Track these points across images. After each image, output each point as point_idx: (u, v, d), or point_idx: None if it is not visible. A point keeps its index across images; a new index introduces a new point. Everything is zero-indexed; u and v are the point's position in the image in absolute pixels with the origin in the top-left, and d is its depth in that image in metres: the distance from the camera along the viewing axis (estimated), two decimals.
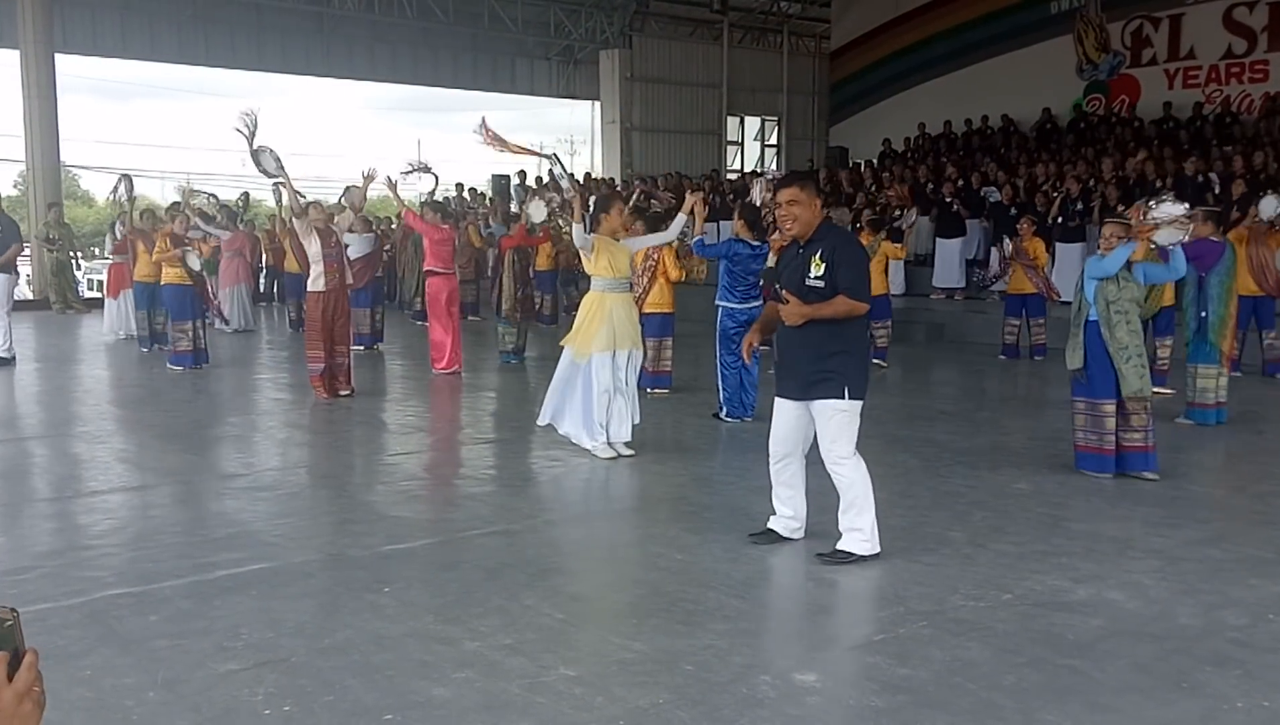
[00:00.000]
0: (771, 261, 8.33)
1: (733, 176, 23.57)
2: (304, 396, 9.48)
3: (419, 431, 8.52)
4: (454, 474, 7.04)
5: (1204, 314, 8.07)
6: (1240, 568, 4.75)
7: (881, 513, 4.82)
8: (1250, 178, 13.40)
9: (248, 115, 9.00)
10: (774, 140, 28.54)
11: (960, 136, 20.50)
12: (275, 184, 10.06)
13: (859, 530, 4.76)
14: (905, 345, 13.09)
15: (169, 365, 11.24)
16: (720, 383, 8.37)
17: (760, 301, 8.43)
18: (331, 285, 9.19)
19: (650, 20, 25.97)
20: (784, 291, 4.72)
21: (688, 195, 7.47)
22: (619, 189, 20.52)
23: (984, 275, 14.52)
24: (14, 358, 11.38)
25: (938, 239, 15.92)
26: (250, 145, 9.14)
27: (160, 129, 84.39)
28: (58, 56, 18.95)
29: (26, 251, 16.57)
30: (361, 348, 12.40)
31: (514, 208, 20.33)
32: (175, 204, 13.70)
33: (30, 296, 19.23)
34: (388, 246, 17.33)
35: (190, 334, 11.23)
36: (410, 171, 11.19)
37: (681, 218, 7.35)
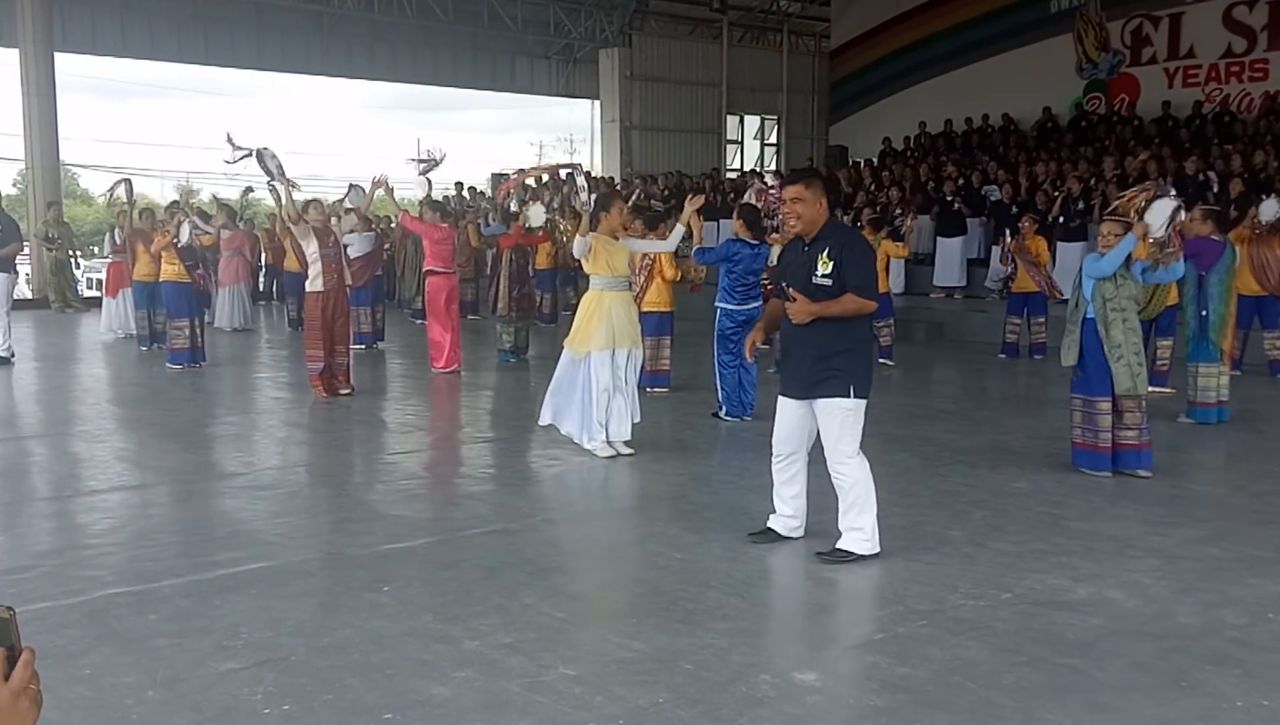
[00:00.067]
0: (773, 260, 8.33)
1: (733, 175, 23.55)
2: (303, 395, 9.48)
3: (418, 430, 8.52)
4: (453, 473, 7.04)
5: (1204, 313, 8.08)
6: (1240, 567, 4.75)
7: (881, 512, 4.82)
8: (1249, 177, 13.40)
9: (239, 149, 9.33)
10: (774, 139, 28.54)
11: (960, 135, 20.51)
12: (270, 184, 10.07)
13: (860, 530, 4.75)
14: (905, 344, 13.08)
15: (167, 364, 11.24)
16: (719, 382, 8.37)
17: (760, 302, 8.43)
18: (330, 285, 9.20)
19: (650, 19, 25.97)
20: (791, 289, 4.70)
21: (686, 203, 7.44)
22: (619, 188, 20.52)
23: (995, 280, 14.36)
24: (13, 356, 11.37)
25: (938, 238, 15.92)
26: (251, 152, 9.30)
27: (160, 128, 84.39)
28: (57, 55, 18.95)
29: (26, 250, 16.58)
30: (363, 347, 12.40)
31: (513, 207, 20.35)
32: (174, 203, 13.70)
33: (29, 295, 19.23)
34: (387, 245, 17.33)
35: (187, 332, 11.23)
36: (426, 167, 11.05)
37: (680, 229, 7.33)
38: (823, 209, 4.76)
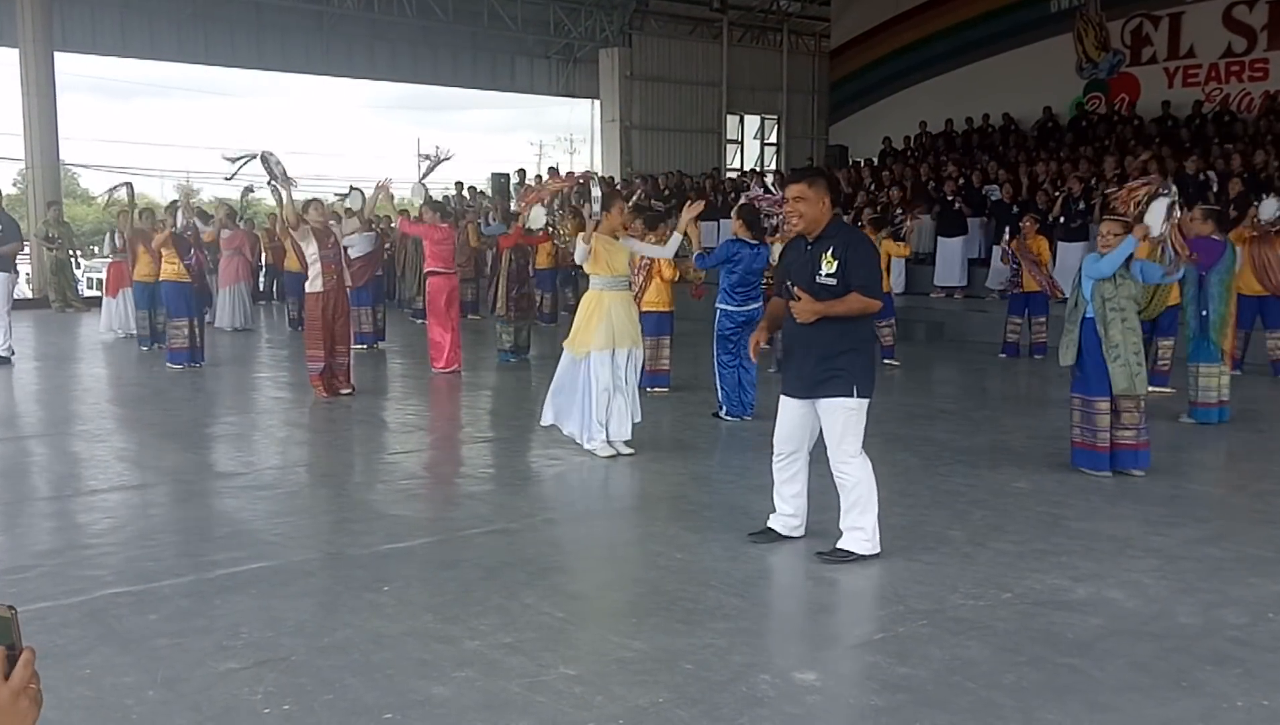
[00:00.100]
0: (774, 259, 8.33)
1: (733, 175, 23.56)
2: (304, 395, 9.48)
3: (418, 430, 8.52)
4: (453, 473, 7.04)
5: (1205, 312, 8.07)
6: (1240, 566, 4.75)
7: (881, 511, 4.82)
8: (1248, 177, 13.40)
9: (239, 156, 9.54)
10: (774, 139, 28.54)
11: (960, 135, 20.51)
12: (271, 184, 10.09)
13: (861, 529, 4.75)
14: (905, 344, 13.08)
15: (167, 363, 11.24)
16: (719, 383, 8.37)
17: (760, 304, 8.43)
18: (329, 286, 9.20)
19: (650, 19, 25.96)
20: (795, 288, 4.69)
21: (684, 210, 7.44)
22: (619, 187, 20.51)
23: (1001, 281, 14.23)
24: (12, 355, 11.37)
25: (939, 237, 15.92)
26: (251, 157, 9.39)
27: (160, 127, 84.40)
28: (57, 55, 18.95)
29: (26, 250, 16.57)
30: (364, 346, 12.41)
31: (513, 206, 20.35)
32: (174, 202, 13.69)
33: (30, 295, 19.24)
34: (388, 245, 17.33)
35: (186, 331, 11.23)
36: (431, 166, 11.02)
37: (677, 237, 7.33)
38: (826, 208, 4.75)
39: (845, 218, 15.25)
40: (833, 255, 4.65)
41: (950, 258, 15.77)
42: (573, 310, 7.29)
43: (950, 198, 15.89)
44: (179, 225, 11.56)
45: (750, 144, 28.45)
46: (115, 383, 10.89)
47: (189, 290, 11.36)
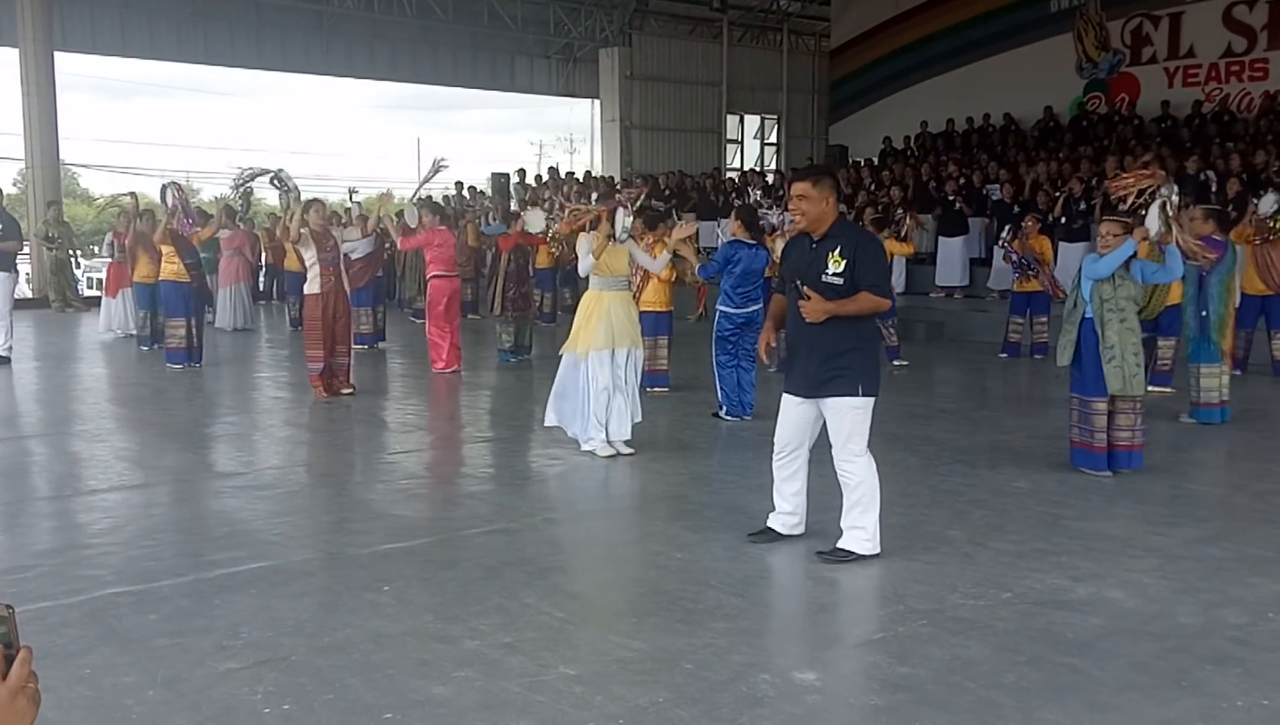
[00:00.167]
0: (776, 257, 8.33)
1: (733, 175, 23.57)
2: (303, 395, 9.48)
3: (418, 430, 8.52)
4: (453, 472, 7.04)
5: (1204, 313, 8.07)
6: (1240, 566, 4.75)
7: (881, 511, 4.82)
8: (1248, 177, 13.39)
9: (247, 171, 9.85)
10: (774, 139, 28.53)
11: (960, 135, 20.52)
12: (277, 181, 10.13)
13: (862, 529, 4.75)
14: (906, 343, 13.04)
15: (166, 363, 11.24)
16: (717, 383, 8.37)
17: (760, 305, 8.43)
18: (327, 288, 9.21)
19: (650, 18, 25.96)
20: (805, 288, 4.67)
21: (675, 231, 7.47)
22: (619, 187, 20.50)
23: (1002, 279, 14.14)
24: (10, 351, 11.36)
25: (940, 237, 15.93)
26: (260, 174, 9.77)
27: (160, 127, 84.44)
28: (57, 54, 18.94)
29: (26, 250, 16.56)
30: (364, 347, 12.40)
31: (513, 206, 20.36)
32: (164, 187, 13.64)
33: (30, 295, 19.23)
34: (388, 244, 17.33)
35: (183, 332, 11.23)
36: (430, 174, 11.03)
37: (666, 256, 7.42)
38: (830, 207, 4.73)
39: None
40: (840, 254, 4.64)
41: (951, 257, 15.77)
42: (572, 310, 7.29)
43: (951, 198, 15.89)
44: (170, 203, 11.55)
45: (750, 144, 28.45)
46: (115, 382, 10.89)
47: (188, 290, 11.36)
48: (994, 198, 15.76)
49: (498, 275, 11.91)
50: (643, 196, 8.46)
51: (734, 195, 19.31)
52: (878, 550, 4.77)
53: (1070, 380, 6.59)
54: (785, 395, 4.91)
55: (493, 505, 5.87)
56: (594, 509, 6.10)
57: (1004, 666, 3.64)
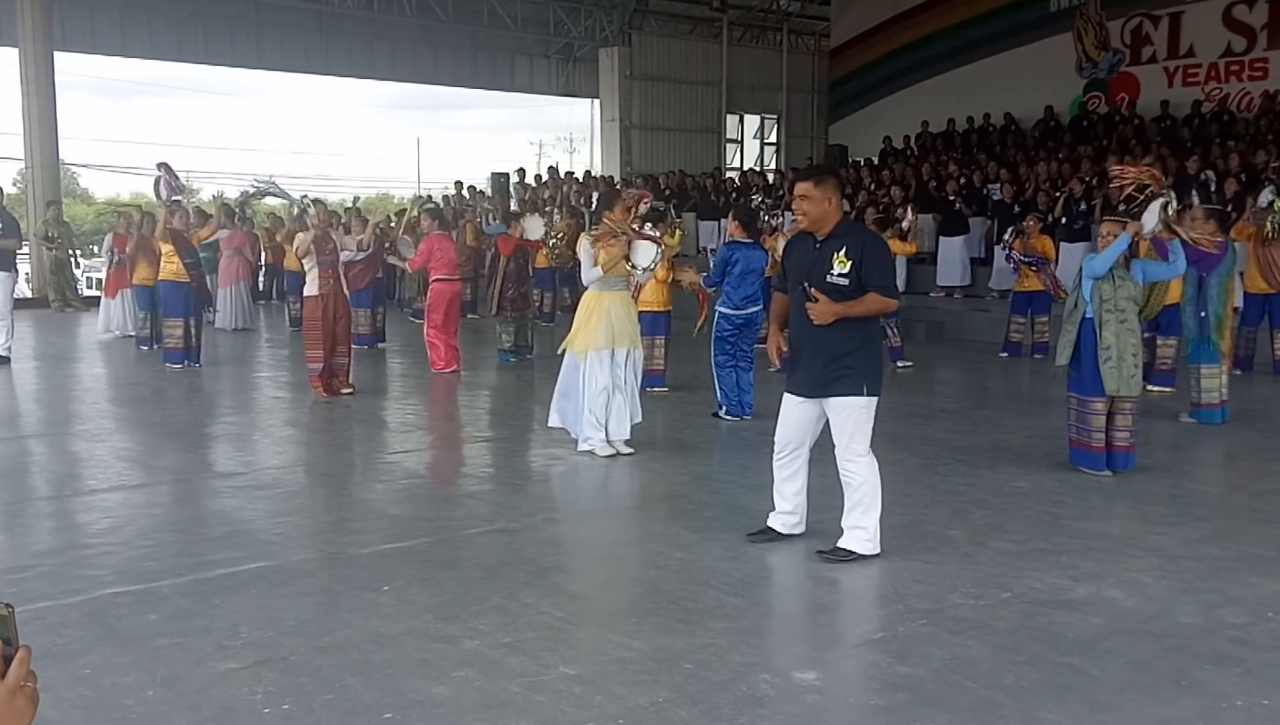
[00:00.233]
0: (777, 256, 8.32)
1: (733, 174, 23.57)
2: (303, 395, 9.48)
3: (418, 430, 8.52)
4: (453, 472, 7.04)
5: (1203, 314, 8.07)
6: (1240, 566, 4.75)
7: (881, 511, 4.82)
8: (1247, 178, 13.39)
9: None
10: (774, 138, 28.53)
11: (961, 135, 20.51)
12: (277, 190, 10.27)
13: (863, 529, 4.75)
14: (906, 343, 13.07)
15: (165, 363, 11.24)
16: (716, 383, 8.37)
17: (760, 307, 8.43)
18: (326, 290, 9.22)
19: (650, 18, 25.95)
20: (813, 290, 4.65)
21: (678, 272, 7.59)
22: (618, 187, 20.49)
23: (1004, 279, 14.13)
24: (10, 351, 11.35)
25: (941, 237, 15.93)
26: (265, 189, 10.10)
27: (160, 127, 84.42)
28: (57, 54, 18.93)
29: (25, 249, 16.55)
30: (365, 348, 12.40)
31: (514, 206, 20.37)
32: (176, 201, 13.68)
33: (29, 295, 19.23)
34: (388, 244, 17.32)
35: (181, 332, 11.23)
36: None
37: (656, 251, 7.43)
38: (833, 207, 4.71)
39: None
40: (845, 255, 4.62)
41: (951, 257, 15.77)
42: (571, 310, 7.28)
43: (951, 198, 15.89)
44: (162, 190, 11.65)
45: (750, 143, 28.45)
46: (115, 382, 10.88)
47: (187, 290, 11.35)
48: (994, 198, 15.76)
49: (497, 275, 11.91)
50: (647, 201, 8.48)
51: (735, 195, 19.30)
52: (878, 550, 4.77)
53: (1068, 379, 6.60)
54: (787, 395, 4.90)
55: (493, 505, 5.87)
56: (594, 509, 6.10)
57: (1004, 666, 3.64)
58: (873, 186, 18.29)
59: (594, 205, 7.20)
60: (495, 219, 15.93)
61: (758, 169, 25.02)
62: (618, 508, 6.10)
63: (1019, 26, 20.98)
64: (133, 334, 13.62)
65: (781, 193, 18.10)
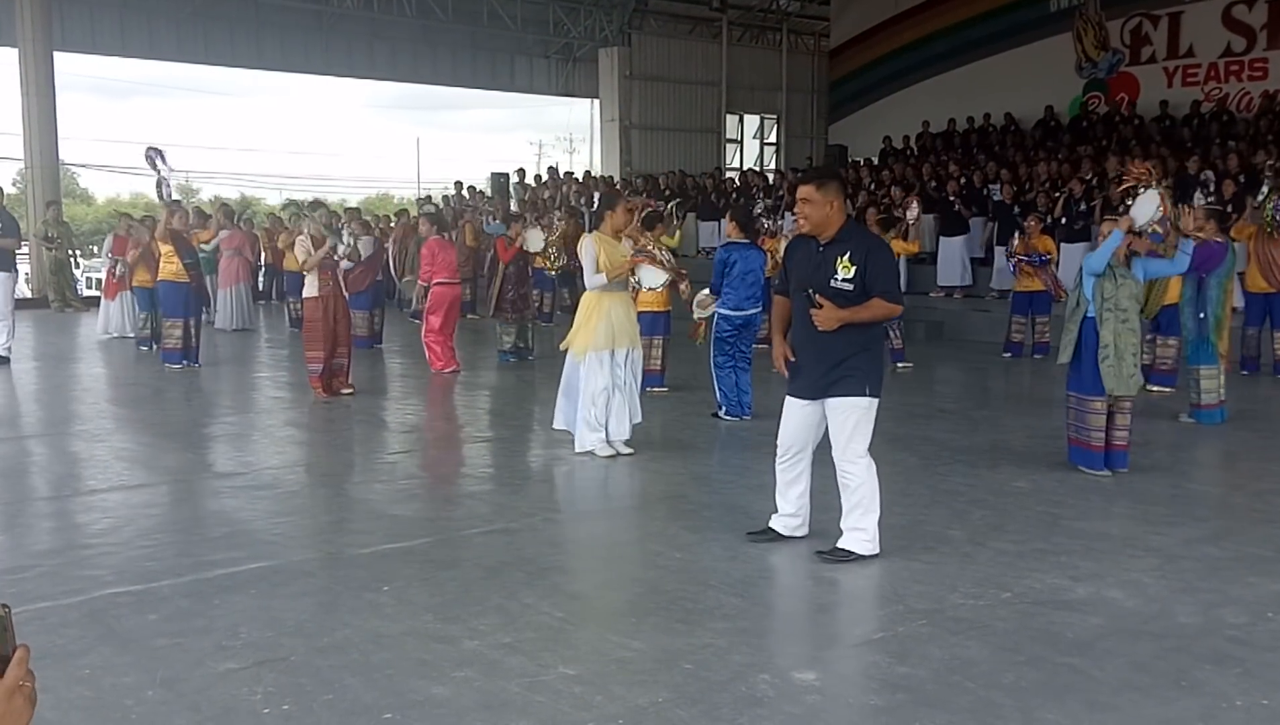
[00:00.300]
0: (778, 258, 8.30)
1: (733, 174, 23.57)
2: (303, 395, 9.48)
3: (418, 430, 8.52)
4: (453, 472, 7.04)
5: (1202, 315, 8.07)
6: (1239, 566, 4.75)
7: (881, 511, 4.82)
8: (1245, 178, 13.39)
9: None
10: (773, 138, 28.53)
11: (961, 135, 20.51)
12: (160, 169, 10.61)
13: (862, 530, 4.74)
14: (906, 343, 13.07)
15: (165, 363, 11.24)
16: (716, 384, 8.37)
17: (759, 307, 8.43)
18: (326, 291, 9.22)
19: (649, 18, 25.95)
20: (817, 296, 4.62)
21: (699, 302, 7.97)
22: (618, 187, 20.52)
23: (1006, 280, 14.13)
24: (10, 351, 11.35)
25: (941, 237, 15.92)
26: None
27: (159, 127, 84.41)
28: (56, 54, 18.92)
29: (25, 249, 16.54)
30: (362, 350, 12.39)
31: (514, 206, 20.37)
32: (176, 201, 13.68)
33: (29, 295, 19.23)
34: (388, 244, 17.33)
35: (180, 332, 11.23)
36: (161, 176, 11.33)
37: (664, 278, 7.54)
38: (835, 211, 4.67)
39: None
40: (850, 260, 4.59)
41: (951, 257, 15.76)
42: (571, 310, 7.28)
43: (951, 198, 15.88)
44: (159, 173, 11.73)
45: (750, 143, 28.45)
46: (115, 383, 10.88)
47: (186, 290, 11.35)
48: (994, 198, 15.75)
49: (496, 276, 11.91)
50: (648, 210, 8.51)
51: (735, 196, 19.30)
52: (877, 550, 4.77)
53: (1068, 378, 6.60)
54: (789, 398, 4.89)
55: (493, 505, 5.87)
56: (594, 509, 6.10)
57: (1003, 666, 3.64)
58: (873, 186, 18.28)
59: (595, 206, 7.19)
60: (495, 219, 15.94)
61: (757, 169, 25.01)
62: (618, 508, 6.10)
63: (1019, 26, 20.99)
64: (131, 336, 13.62)
65: (781, 193, 18.11)
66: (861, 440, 4.71)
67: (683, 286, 7.97)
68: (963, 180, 16.33)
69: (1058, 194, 14.44)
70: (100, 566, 4.69)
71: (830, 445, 4.79)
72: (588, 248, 6.85)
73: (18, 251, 12.88)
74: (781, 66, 27.89)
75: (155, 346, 12.51)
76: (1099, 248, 6.38)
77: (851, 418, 4.68)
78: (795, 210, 4.81)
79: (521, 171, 23.81)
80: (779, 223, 14.51)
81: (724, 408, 8.33)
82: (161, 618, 4.07)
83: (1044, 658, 3.71)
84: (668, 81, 25.95)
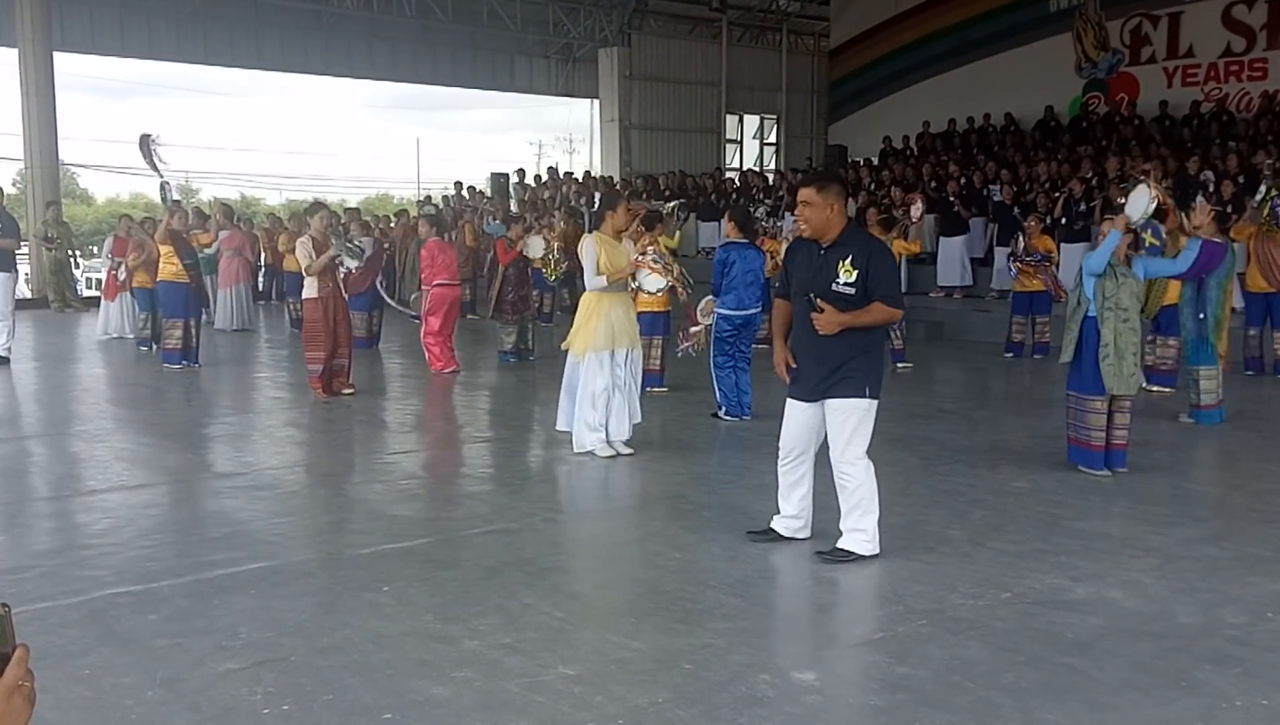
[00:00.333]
0: (779, 259, 8.30)
1: (733, 174, 23.57)
2: (303, 395, 9.48)
3: (418, 430, 8.52)
4: (453, 472, 7.04)
5: (1202, 316, 8.07)
6: (1239, 566, 4.75)
7: (881, 511, 4.82)
8: (1244, 179, 13.39)
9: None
10: (773, 138, 28.54)
11: (961, 135, 20.51)
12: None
13: (862, 531, 4.74)
14: (905, 343, 13.07)
15: (164, 363, 11.24)
16: (716, 384, 8.37)
17: (759, 307, 8.42)
18: (325, 292, 9.22)
19: (649, 18, 25.95)
20: (819, 301, 4.61)
21: (700, 313, 8.02)
22: (618, 187, 20.52)
23: (1006, 280, 14.14)
24: (10, 352, 11.35)
25: (941, 237, 15.92)
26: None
27: (159, 127, 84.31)
28: (56, 54, 18.93)
29: (25, 249, 16.54)
30: (360, 351, 12.39)
31: (513, 207, 20.37)
32: (176, 202, 13.69)
33: (29, 295, 19.23)
34: (387, 244, 17.34)
35: (180, 332, 11.23)
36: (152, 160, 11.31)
37: (664, 283, 7.54)
38: (836, 214, 4.66)
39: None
40: (851, 263, 4.57)
41: (951, 257, 15.76)
42: (571, 310, 7.28)
43: (951, 198, 15.88)
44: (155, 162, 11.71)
45: (750, 144, 28.45)
46: (114, 383, 10.88)
47: (186, 291, 11.35)
48: (994, 198, 15.76)
49: (496, 277, 11.91)
50: (648, 211, 8.53)
51: (735, 196, 19.30)
52: (877, 551, 4.77)
53: (1068, 377, 6.60)
54: (790, 400, 4.88)
55: (492, 505, 5.87)
56: (594, 509, 6.10)
57: (1003, 666, 3.64)
58: (872, 187, 18.28)
59: (595, 206, 7.20)
60: (495, 219, 15.94)
61: (757, 169, 25.01)
62: (617, 508, 6.10)
63: (1019, 26, 20.99)
64: (131, 336, 13.62)
65: (781, 193, 18.11)
66: (861, 442, 4.70)
67: (681, 293, 7.96)
68: (962, 180, 16.33)
69: (1058, 194, 14.44)
70: (100, 567, 4.69)
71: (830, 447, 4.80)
72: (588, 249, 6.84)
73: (18, 252, 12.88)
74: (781, 67, 27.89)
75: (155, 347, 12.52)
76: (1098, 248, 6.39)
77: (851, 419, 4.68)
78: (796, 213, 4.80)
79: (521, 172, 23.82)
80: (779, 224, 14.51)
81: (724, 408, 8.33)
82: (161, 618, 4.07)
83: (1044, 658, 3.71)
84: (667, 82, 25.95)
